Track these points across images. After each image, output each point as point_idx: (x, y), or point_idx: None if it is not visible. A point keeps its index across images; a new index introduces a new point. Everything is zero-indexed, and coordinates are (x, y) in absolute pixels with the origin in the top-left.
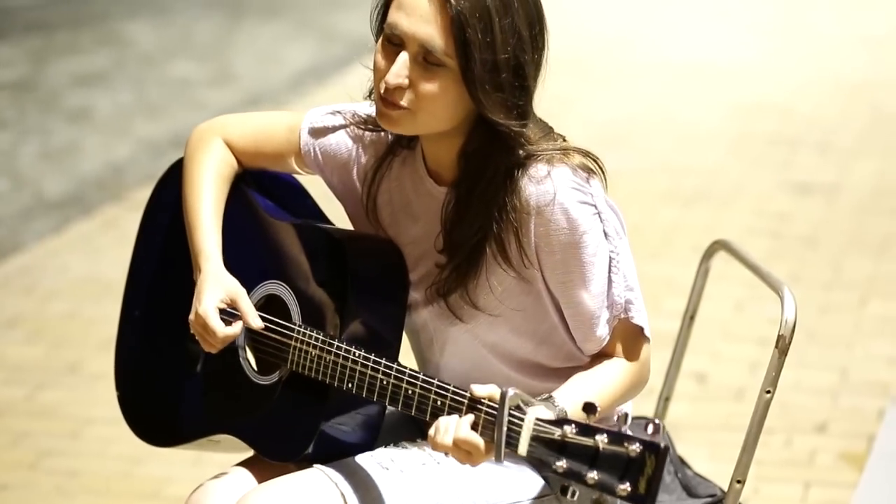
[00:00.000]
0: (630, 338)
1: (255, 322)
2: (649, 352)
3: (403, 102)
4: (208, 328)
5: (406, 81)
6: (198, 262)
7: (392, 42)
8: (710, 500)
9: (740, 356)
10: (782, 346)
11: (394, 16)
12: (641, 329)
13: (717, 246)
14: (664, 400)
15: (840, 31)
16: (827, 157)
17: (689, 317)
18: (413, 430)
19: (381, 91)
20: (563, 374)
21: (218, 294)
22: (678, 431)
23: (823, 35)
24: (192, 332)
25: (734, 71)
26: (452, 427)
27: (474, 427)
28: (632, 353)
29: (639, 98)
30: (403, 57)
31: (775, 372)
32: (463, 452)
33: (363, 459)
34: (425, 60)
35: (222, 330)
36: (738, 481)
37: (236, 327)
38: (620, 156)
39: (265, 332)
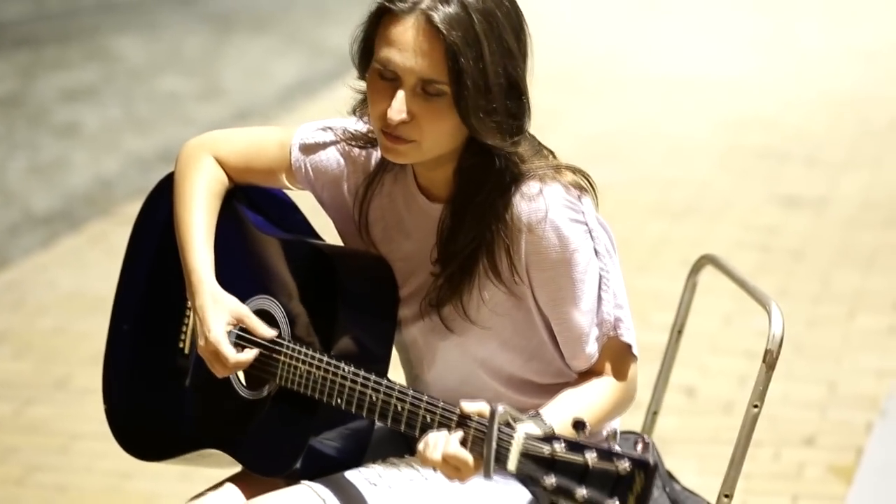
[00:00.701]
0: (618, 356)
1: (268, 333)
2: (636, 370)
3: (410, 136)
4: (220, 355)
5: (408, 117)
6: (191, 283)
7: (385, 77)
8: None
9: (728, 370)
10: (770, 361)
11: (385, 52)
12: (630, 347)
13: (705, 260)
14: (652, 414)
15: (828, 44)
16: (815, 170)
17: (677, 330)
18: (401, 445)
19: (382, 128)
20: (553, 390)
21: (223, 317)
22: (666, 445)
23: (812, 49)
24: (199, 356)
25: (723, 84)
26: (442, 442)
27: (463, 443)
28: (620, 372)
29: (627, 112)
30: (401, 94)
31: (763, 386)
32: (451, 468)
33: (351, 475)
34: (424, 91)
35: (234, 357)
36: (726, 495)
37: (248, 354)
38: (609, 169)
39: (257, 340)
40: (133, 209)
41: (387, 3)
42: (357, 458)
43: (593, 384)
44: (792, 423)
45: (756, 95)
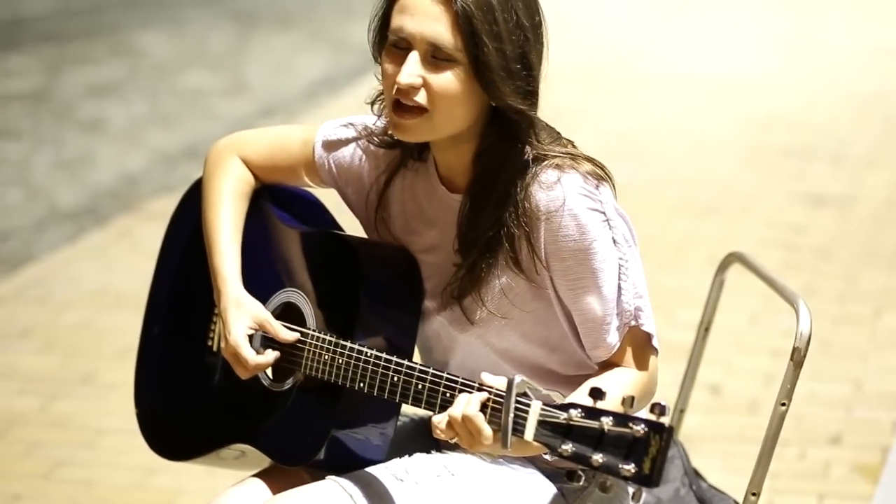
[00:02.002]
0: (639, 346)
1: (289, 336)
2: (657, 364)
3: (418, 101)
4: (240, 358)
5: (419, 80)
6: (217, 286)
7: (398, 47)
8: None
9: (754, 368)
10: (797, 359)
11: (397, 20)
12: (650, 337)
13: (732, 258)
14: (679, 412)
15: (852, 41)
16: (840, 168)
17: (704, 328)
18: (427, 442)
19: (394, 93)
20: (575, 381)
21: (245, 321)
22: (692, 443)
23: (836, 46)
24: (223, 356)
25: (747, 82)
26: (462, 403)
27: (483, 412)
28: (641, 362)
29: (652, 109)
30: (414, 57)
31: (790, 384)
32: (467, 433)
33: (378, 471)
34: (434, 58)
35: (254, 359)
36: (753, 494)
37: (269, 357)
38: (633, 167)
39: (279, 343)
40: (158, 205)
41: None
42: (381, 451)
43: (615, 373)
44: (818, 421)
45: (781, 93)
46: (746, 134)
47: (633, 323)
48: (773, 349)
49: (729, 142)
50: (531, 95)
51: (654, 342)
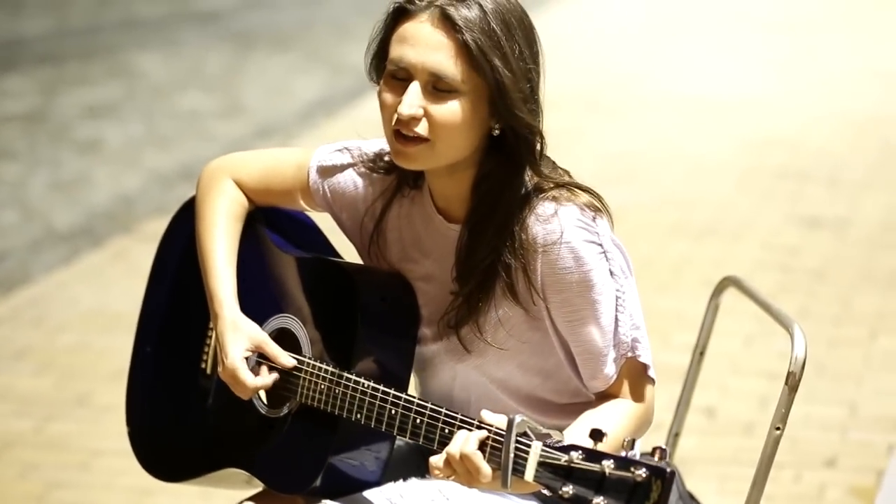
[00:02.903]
0: (636, 377)
1: (288, 362)
2: (654, 393)
3: (420, 132)
4: (238, 381)
5: (420, 111)
6: (213, 308)
7: (398, 77)
8: None
9: (750, 391)
10: (792, 383)
11: (397, 50)
12: (647, 368)
13: (727, 282)
14: (674, 435)
15: (850, 65)
16: (836, 191)
17: (699, 352)
18: (422, 465)
19: (394, 125)
20: (570, 409)
21: (242, 344)
22: (687, 466)
23: (833, 69)
24: (219, 379)
25: (743, 105)
26: (461, 440)
27: (482, 451)
28: (638, 393)
29: (648, 132)
30: (415, 87)
31: (785, 408)
32: (465, 471)
33: (372, 495)
34: (435, 89)
35: (252, 381)
36: None
37: (268, 379)
38: (629, 189)
39: (276, 366)
40: (154, 226)
41: (404, 4)
42: (377, 476)
43: (612, 405)
44: (813, 444)
45: (776, 116)
46: (743, 156)
47: (629, 354)
48: (768, 371)
49: (725, 164)
50: (529, 127)
51: (651, 373)
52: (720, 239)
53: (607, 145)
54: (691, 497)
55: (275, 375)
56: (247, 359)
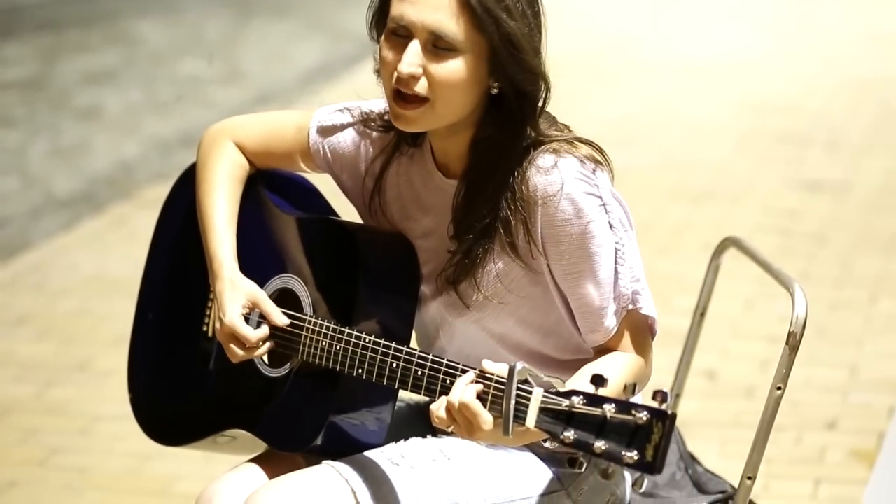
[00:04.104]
0: (637, 329)
1: (282, 320)
2: (651, 348)
3: (420, 91)
4: (238, 335)
5: (419, 70)
6: (213, 269)
7: (398, 35)
8: (720, 496)
9: (750, 353)
10: (793, 343)
11: (398, 8)
12: (648, 320)
13: (728, 243)
14: (675, 397)
15: (848, 27)
16: (836, 154)
17: (700, 314)
18: (423, 426)
19: (394, 83)
20: (571, 366)
21: (239, 300)
22: (688, 428)
23: (832, 32)
24: (219, 341)
25: (743, 68)
26: (459, 389)
27: (483, 402)
28: (639, 345)
29: (647, 95)
30: (415, 46)
31: (786, 369)
32: (464, 420)
33: (373, 455)
34: (435, 47)
35: (252, 334)
36: (749, 478)
37: (265, 329)
38: (629, 153)
39: (273, 321)
40: (154, 192)
41: None
42: (378, 436)
43: (613, 357)
44: (813, 407)
45: (776, 79)
46: (742, 120)
47: (630, 307)
48: (768, 334)
49: (725, 127)
50: (540, 78)
51: (653, 324)
52: (720, 202)
53: (607, 109)
54: (693, 459)
55: (268, 331)
56: (247, 318)
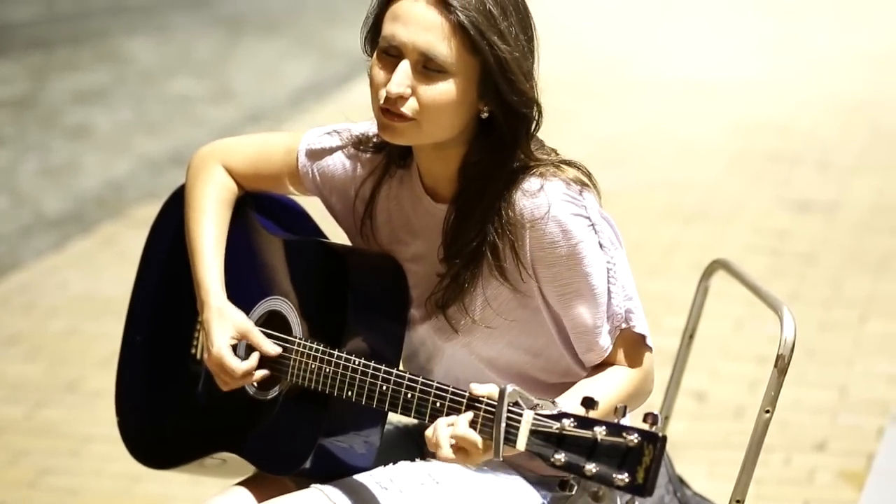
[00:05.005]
0: (632, 347)
1: (273, 349)
2: (652, 361)
3: (406, 112)
4: (226, 368)
5: (408, 91)
6: (200, 297)
7: (389, 54)
8: None
9: (739, 374)
10: (781, 366)
11: (390, 27)
12: (643, 337)
13: (717, 265)
14: (664, 419)
15: (839, 48)
16: (826, 174)
17: (689, 335)
18: (412, 449)
19: (382, 102)
20: (560, 389)
21: (228, 332)
22: (677, 450)
23: (823, 52)
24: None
25: (734, 88)
26: (447, 427)
27: (473, 425)
28: (634, 362)
29: (638, 115)
30: (404, 66)
31: (774, 391)
32: (461, 451)
33: (362, 479)
34: (425, 68)
35: (240, 367)
36: (738, 500)
37: (253, 360)
38: (620, 173)
39: (264, 352)
40: (144, 211)
41: None
42: (367, 459)
43: (608, 373)
44: (803, 428)
45: (767, 99)
46: (733, 140)
47: (624, 325)
48: (758, 355)
49: (716, 148)
50: (532, 102)
51: (648, 341)
52: (710, 222)
53: (598, 129)
54: (681, 481)
55: (258, 356)
56: (235, 346)
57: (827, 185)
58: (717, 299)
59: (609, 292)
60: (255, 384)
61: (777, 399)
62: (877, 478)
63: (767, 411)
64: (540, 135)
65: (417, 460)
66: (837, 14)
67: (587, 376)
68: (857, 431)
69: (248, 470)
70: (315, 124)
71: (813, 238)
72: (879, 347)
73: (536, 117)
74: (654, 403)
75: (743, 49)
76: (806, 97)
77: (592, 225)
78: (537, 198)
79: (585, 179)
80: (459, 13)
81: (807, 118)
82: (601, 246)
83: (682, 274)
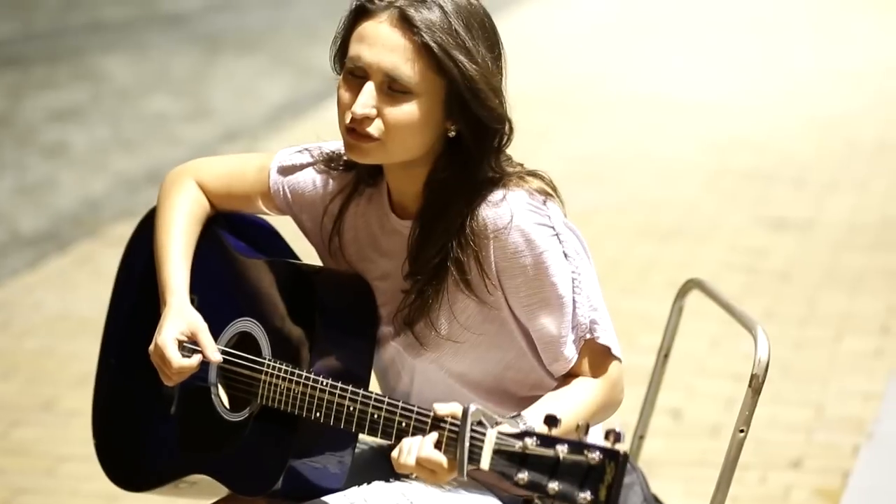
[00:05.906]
0: (598, 357)
1: (215, 356)
2: (621, 371)
3: (372, 132)
4: (165, 359)
5: (373, 112)
6: (164, 297)
7: (355, 75)
8: None
9: (715, 392)
10: (755, 386)
11: (355, 48)
12: (609, 348)
13: (691, 284)
14: (639, 437)
15: (815, 66)
16: (802, 192)
17: (664, 353)
18: (385, 469)
19: (348, 122)
20: (533, 402)
21: (179, 326)
22: (653, 468)
23: (799, 71)
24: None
25: (709, 106)
26: (416, 447)
27: (438, 445)
28: (599, 372)
29: (614, 133)
30: (369, 87)
31: (749, 411)
32: (427, 471)
33: (335, 500)
34: (390, 89)
35: (178, 361)
36: None
37: (194, 360)
38: (596, 191)
39: (236, 369)
40: (120, 230)
41: (364, 3)
42: (339, 480)
43: (575, 385)
44: (778, 445)
45: (743, 117)
46: (709, 158)
47: (588, 336)
48: (734, 373)
49: (692, 166)
50: (503, 118)
51: (615, 351)
52: (686, 240)
53: (574, 147)
54: (656, 500)
55: (198, 358)
56: (182, 344)
57: (803, 203)
58: (692, 317)
59: (574, 302)
60: (227, 405)
61: (752, 418)
62: (853, 496)
63: (742, 430)
64: (515, 153)
65: (392, 480)
66: (814, 32)
67: (556, 387)
68: (832, 449)
69: (222, 491)
70: (291, 142)
71: (788, 256)
72: (855, 365)
73: (508, 133)
74: (629, 421)
75: (719, 67)
76: (782, 115)
77: (556, 234)
78: (500, 208)
79: (549, 189)
80: (424, 34)
81: (783, 136)
82: (566, 255)
83: (658, 292)
